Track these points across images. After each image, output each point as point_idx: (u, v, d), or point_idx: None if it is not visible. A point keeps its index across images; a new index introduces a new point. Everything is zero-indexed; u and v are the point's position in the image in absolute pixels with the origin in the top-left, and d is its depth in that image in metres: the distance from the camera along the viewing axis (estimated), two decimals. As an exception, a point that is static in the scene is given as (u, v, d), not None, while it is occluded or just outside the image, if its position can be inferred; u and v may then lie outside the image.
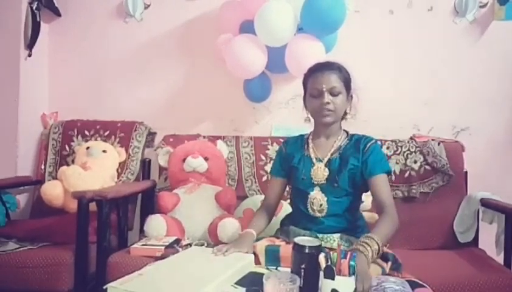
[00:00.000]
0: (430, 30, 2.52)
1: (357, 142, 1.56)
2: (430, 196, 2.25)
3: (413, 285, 1.08)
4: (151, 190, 2.36)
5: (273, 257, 1.30)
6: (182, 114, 2.68)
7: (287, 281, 0.85)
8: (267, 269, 1.14)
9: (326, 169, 1.53)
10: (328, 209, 1.50)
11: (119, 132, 2.55)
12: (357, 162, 1.52)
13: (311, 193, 1.52)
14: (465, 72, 2.50)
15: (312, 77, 1.54)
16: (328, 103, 1.48)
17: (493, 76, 2.48)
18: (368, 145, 1.53)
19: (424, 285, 1.13)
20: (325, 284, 0.91)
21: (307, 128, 1.70)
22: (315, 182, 1.53)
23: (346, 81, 1.54)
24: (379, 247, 1.22)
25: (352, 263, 0.93)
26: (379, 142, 1.59)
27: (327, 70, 1.52)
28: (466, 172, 2.29)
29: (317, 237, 1.40)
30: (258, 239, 1.51)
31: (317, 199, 1.50)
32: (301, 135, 1.70)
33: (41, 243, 1.98)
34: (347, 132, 1.63)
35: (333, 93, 1.50)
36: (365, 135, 1.60)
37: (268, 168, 2.37)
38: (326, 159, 1.55)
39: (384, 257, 1.36)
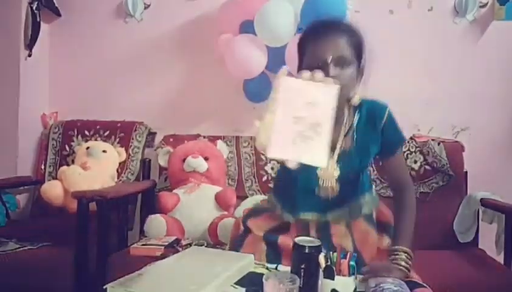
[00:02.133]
0: (430, 30, 2.52)
1: (370, 115, 1.25)
2: (430, 196, 2.25)
3: (413, 285, 1.08)
4: (151, 190, 2.37)
5: (273, 251, 1.28)
6: (182, 114, 2.68)
7: (287, 282, 0.85)
8: (267, 269, 1.14)
9: (337, 167, 1.23)
10: (339, 194, 1.26)
11: (119, 132, 2.55)
12: (377, 145, 1.26)
13: (316, 189, 1.26)
14: (465, 71, 2.50)
15: (313, 43, 1.17)
16: (335, 78, 1.04)
17: (493, 76, 2.48)
18: (385, 117, 1.25)
19: (424, 284, 1.12)
20: (324, 284, 0.91)
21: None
22: (322, 182, 1.25)
23: (358, 47, 1.20)
24: (408, 254, 1.15)
25: (352, 263, 0.93)
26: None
27: (333, 32, 1.16)
28: (466, 172, 2.29)
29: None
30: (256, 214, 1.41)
31: (327, 190, 1.25)
32: None
33: (41, 243, 1.98)
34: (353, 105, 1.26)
35: (341, 65, 1.13)
36: (373, 100, 1.29)
37: (268, 168, 2.38)
38: (336, 154, 1.23)
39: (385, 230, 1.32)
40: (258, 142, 0.78)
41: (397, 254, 1.14)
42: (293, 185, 1.29)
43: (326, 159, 0.73)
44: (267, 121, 0.76)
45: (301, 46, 1.26)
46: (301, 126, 0.74)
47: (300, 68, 1.25)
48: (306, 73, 0.77)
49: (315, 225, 1.30)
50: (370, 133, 1.24)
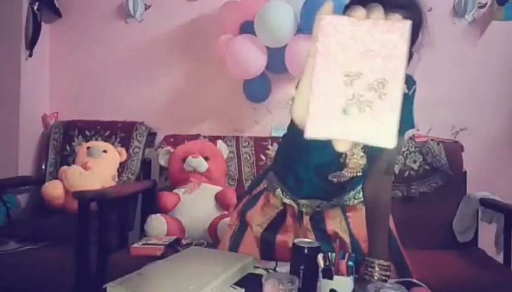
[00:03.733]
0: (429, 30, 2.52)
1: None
2: (430, 196, 2.25)
3: (410, 284, 1.08)
4: (152, 190, 2.37)
5: (268, 251, 1.28)
6: (182, 114, 2.69)
7: (286, 282, 0.86)
8: (266, 270, 1.14)
9: (364, 156, 1.11)
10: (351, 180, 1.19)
11: (120, 132, 2.56)
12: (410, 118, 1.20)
13: (331, 176, 1.18)
14: (464, 72, 2.50)
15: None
16: None
17: (492, 76, 2.48)
18: (412, 90, 1.18)
19: (421, 284, 1.13)
20: (323, 284, 0.92)
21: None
22: (346, 172, 1.16)
23: (415, 27, 1.03)
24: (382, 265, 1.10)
25: (350, 263, 0.93)
26: None
27: (390, 6, 0.91)
28: (465, 172, 2.30)
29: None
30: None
31: (344, 177, 1.17)
32: None
33: (42, 242, 1.99)
34: None
35: None
36: None
37: (268, 168, 2.38)
38: None
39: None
40: (297, 118, 0.54)
41: (372, 267, 1.11)
42: (303, 169, 1.20)
43: (395, 135, 0.47)
44: (305, 85, 0.50)
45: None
46: (357, 88, 0.48)
47: None
48: (360, 10, 0.48)
49: (310, 213, 1.27)
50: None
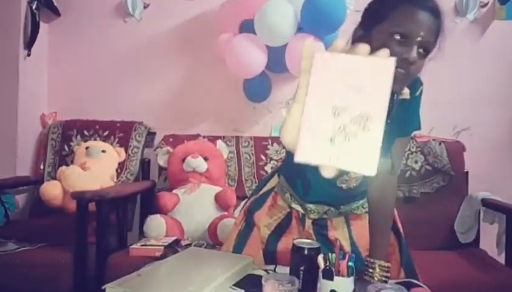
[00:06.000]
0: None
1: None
2: (431, 196, 2.24)
3: (409, 285, 1.07)
4: (151, 190, 2.36)
5: (271, 254, 1.26)
6: (181, 114, 2.68)
7: (286, 283, 0.85)
8: (266, 271, 1.13)
9: None
10: (360, 185, 1.19)
11: (118, 132, 2.54)
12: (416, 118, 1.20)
13: (338, 181, 1.17)
14: (466, 71, 2.49)
15: (407, 11, 0.95)
16: (413, 63, 0.94)
17: (494, 76, 2.48)
18: (418, 91, 1.15)
19: (421, 284, 1.12)
20: (323, 285, 0.91)
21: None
22: (348, 180, 1.17)
23: (438, 37, 1.04)
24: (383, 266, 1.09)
25: (350, 263, 0.92)
26: None
27: (429, 10, 0.96)
28: (467, 172, 2.29)
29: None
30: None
31: (351, 181, 1.18)
32: None
33: (40, 243, 1.98)
34: None
35: (423, 51, 0.97)
36: None
37: (268, 168, 2.37)
38: None
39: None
40: (285, 140, 0.59)
41: (373, 267, 1.10)
42: (312, 174, 1.17)
43: (376, 165, 0.51)
44: (296, 112, 0.56)
45: (385, 9, 0.98)
46: (344, 120, 0.52)
47: (365, 35, 1.02)
48: (364, 47, 0.53)
49: (317, 218, 1.26)
50: (406, 107, 1.11)
